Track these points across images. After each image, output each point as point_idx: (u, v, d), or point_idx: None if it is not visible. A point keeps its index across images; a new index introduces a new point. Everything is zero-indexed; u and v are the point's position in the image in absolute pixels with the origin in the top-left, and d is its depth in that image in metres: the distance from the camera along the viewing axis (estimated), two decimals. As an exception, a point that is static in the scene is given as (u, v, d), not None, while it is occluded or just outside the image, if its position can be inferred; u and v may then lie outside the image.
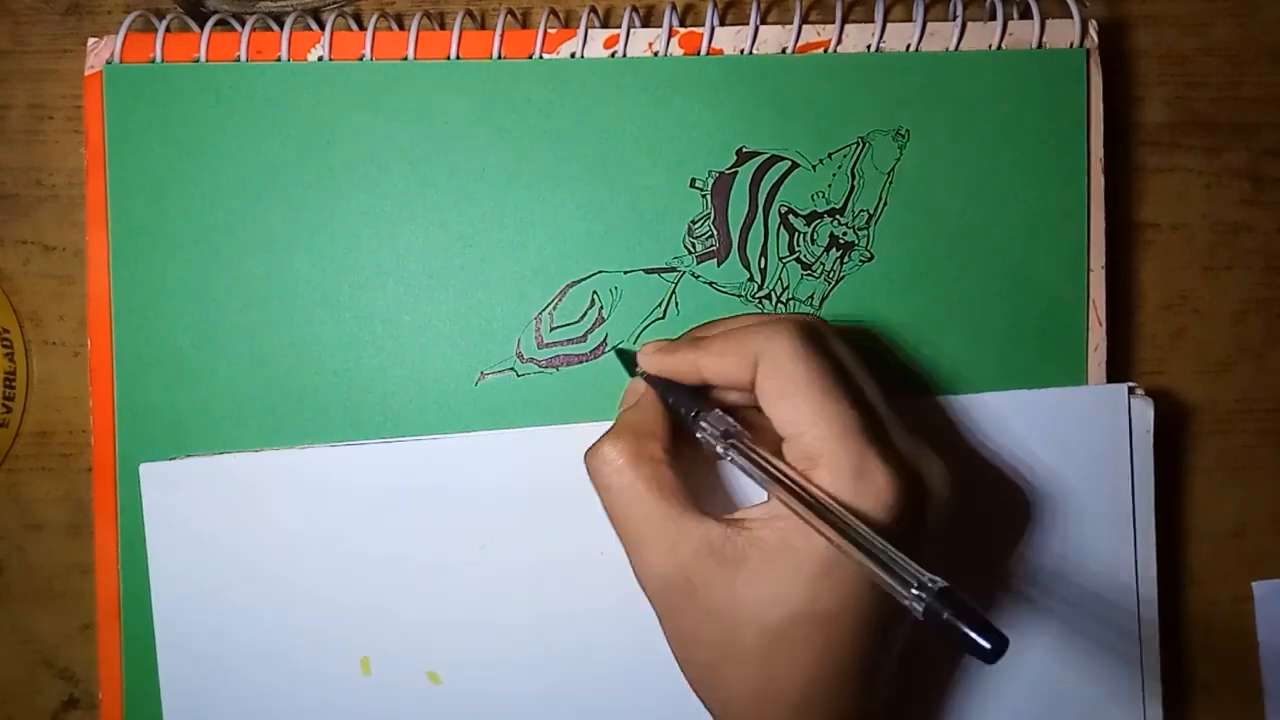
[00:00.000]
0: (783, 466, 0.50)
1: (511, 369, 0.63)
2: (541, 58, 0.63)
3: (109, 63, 0.62)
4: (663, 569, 0.51)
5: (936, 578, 0.43)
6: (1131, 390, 0.63)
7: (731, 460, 0.52)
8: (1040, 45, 0.63)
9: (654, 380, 0.57)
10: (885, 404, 0.54)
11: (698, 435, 0.54)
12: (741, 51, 0.63)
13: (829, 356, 0.53)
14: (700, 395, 0.56)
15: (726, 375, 0.53)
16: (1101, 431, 0.64)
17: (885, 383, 0.55)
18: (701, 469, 0.59)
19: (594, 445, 0.54)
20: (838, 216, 0.63)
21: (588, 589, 0.61)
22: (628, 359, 0.61)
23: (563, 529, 0.62)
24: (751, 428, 0.54)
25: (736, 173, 0.63)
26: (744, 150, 0.63)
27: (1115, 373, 0.65)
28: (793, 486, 0.49)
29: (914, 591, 0.43)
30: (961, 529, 0.57)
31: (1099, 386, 0.64)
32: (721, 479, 0.60)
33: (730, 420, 0.53)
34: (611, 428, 0.55)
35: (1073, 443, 0.64)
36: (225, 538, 0.62)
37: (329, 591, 0.62)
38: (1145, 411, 0.63)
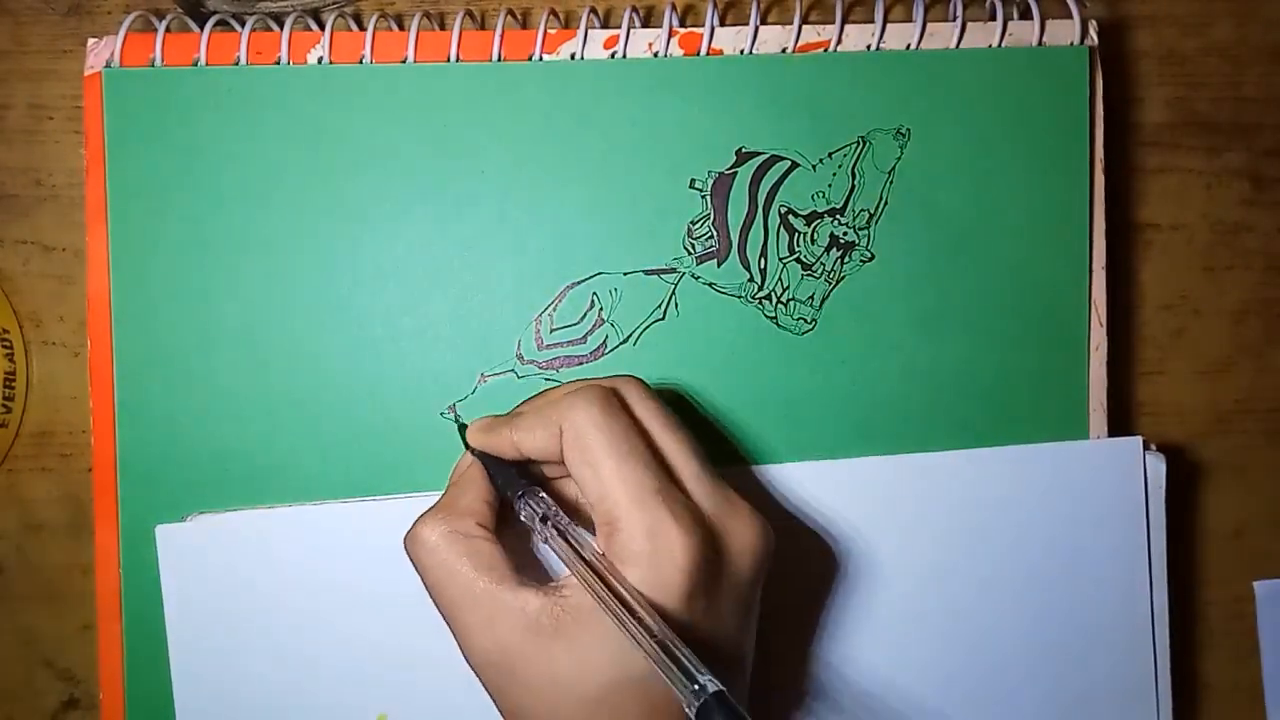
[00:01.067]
0: (586, 547, 0.51)
1: (512, 371, 0.63)
2: (541, 59, 0.63)
3: (109, 64, 0.62)
4: (482, 647, 0.51)
5: (713, 680, 0.44)
6: (1146, 446, 0.64)
7: (546, 542, 0.52)
8: (1040, 45, 0.63)
9: (482, 456, 0.57)
10: (696, 460, 0.54)
11: (520, 517, 0.54)
12: (741, 52, 0.63)
13: (628, 420, 0.53)
14: (526, 472, 0.56)
15: (538, 448, 0.54)
16: (1112, 487, 0.64)
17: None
18: (522, 540, 0.59)
19: (411, 528, 0.54)
20: (838, 216, 0.63)
21: None
22: (462, 430, 0.61)
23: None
24: (575, 501, 0.56)
25: (736, 173, 0.63)
26: (743, 150, 0.63)
27: (1115, 372, 0.65)
28: (589, 570, 0.50)
29: (693, 688, 0.44)
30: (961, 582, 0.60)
31: (1111, 441, 0.64)
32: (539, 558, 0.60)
33: (548, 502, 0.54)
34: (430, 508, 0.55)
35: (1083, 499, 0.64)
36: (240, 597, 0.62)
37: (345, 649, 0.62)
38: (1158, 468, 0.64)
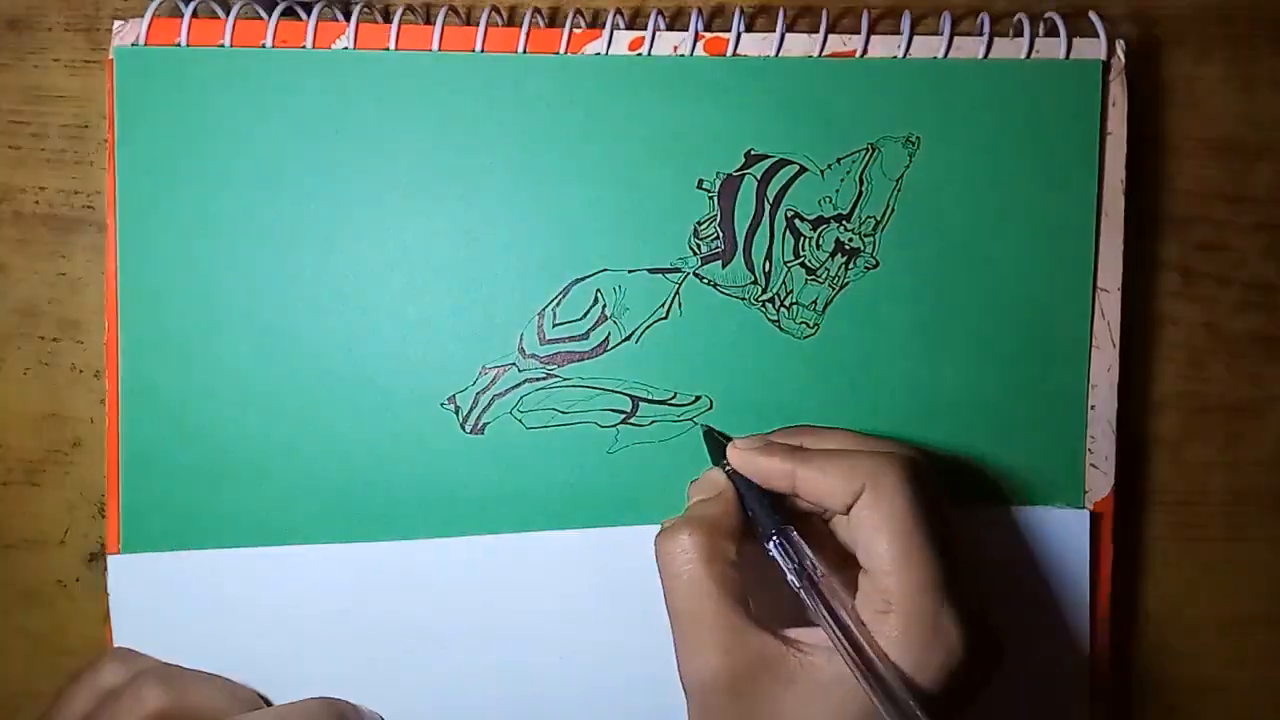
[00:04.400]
0: (847, 615, 0.51)
1: (513, 364, 0.63)
2: (557, 56, 0.63)
3: (126, 45, 0.62)
4: (714, 669, 0.51)
5: None
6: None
7: (798, 590, 0.52)
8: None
9: (737, 478, 0.57)
10: (957, 560, 0.53)
11: (769, 553, 0.54)
12: (764, 58, 0.63)
13: (931, 501, 0.53)
14: (778, 505, 0.56)
15: (822, 494, 0.53)
16: (1058, 555, 0.64)
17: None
18: (756, 567, 0.57)
19: (669, 530, 0.54)
20: (844, 222, 0.63)
21: (550, 686, 0.62)
22: (715, 444, 0.61)
23: (526, 629, 0.63)
24: (817, 537, 0.55)
25: (744, 175, 0.63)
26: (753, 153, 0.63)
27: (1126, 390, 0.64)
28: (852, 645, 0.49)
29: None
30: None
31: (1060, 511, 0.64)
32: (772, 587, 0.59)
33: (805, 550, 0.53)
34: (687, 516, 0.55)
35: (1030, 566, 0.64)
36: (190, 632, 0.63)
37: (292, 689, 0.63)
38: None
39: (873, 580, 0.51)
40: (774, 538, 0.54)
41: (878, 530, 0.51)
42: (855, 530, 0.52)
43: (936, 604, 0.50)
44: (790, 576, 0.53)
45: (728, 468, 0.58)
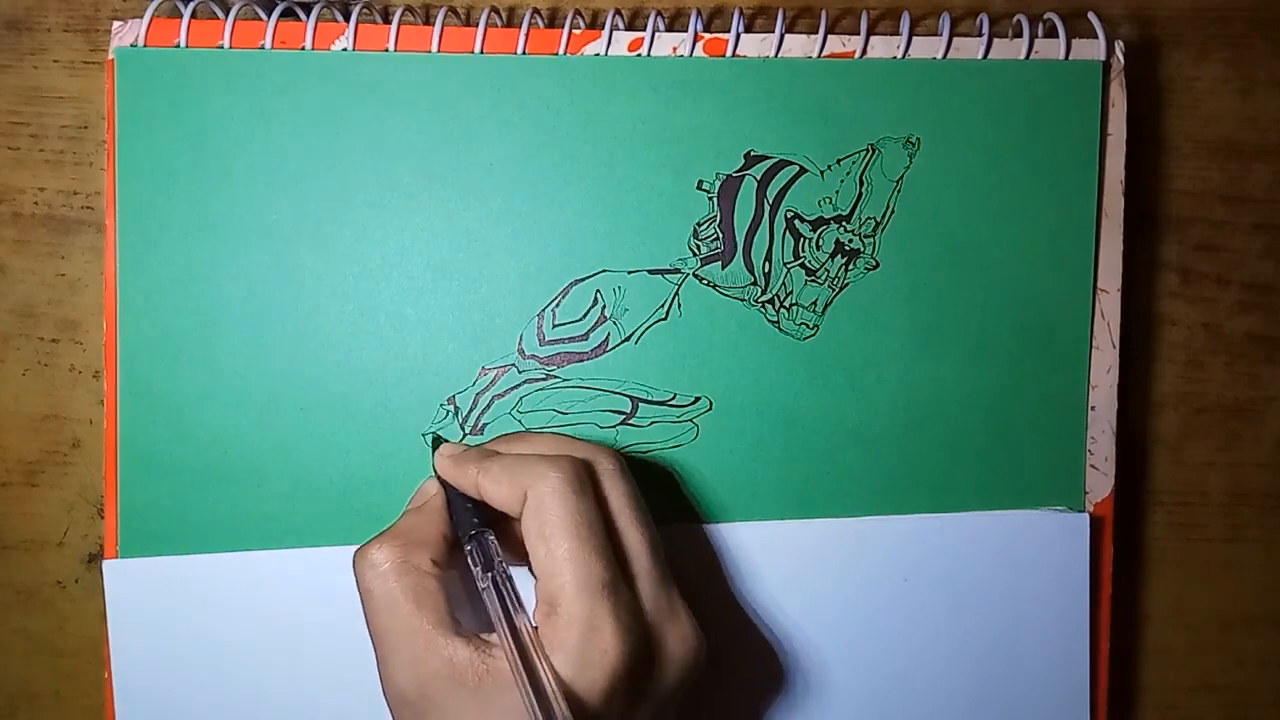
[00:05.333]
0: (520, 613, 0.51)
1: (513, 365, 0.63)
2: (558, 57, 0.63)
3: (125, 46, 0.62)
4: (403, 684, 0.51)
5: None
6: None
7: (482, 591, 0.52)
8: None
9: (446, 486, 0.57)
10: (650, 556, 0.54)
11: (466, 558, 0.54)
12: (764, 59, 0.63)
13: (593, 501, 0.53)
14: (486, 512, 0.56)
15: (500, 502, 0.54)
16: (1056, 560, 0.64)
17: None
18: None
19: (363, 546, 0.54)
20: (844, 223, 0.63)
21: None
22: (436, 448, 0.60)
23: None
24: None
25: (744, 176, 0.63)
26: (752, 153, 0.63)
27: (1126, 390, 0.64)
28: (513, 640, 0.50)
29: None
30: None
31: (1058, 514, 0.64)
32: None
33: (495, 551, 0.53)
34: (386, 530, 0.55)
35: (1027, 571, 0.64)
36: (187, 636, 0.63)
37: (290, 693, 0.63)
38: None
39: (541, 585, 0.51)
40: (469, 539, 0.54)
41: (538, 535, 0.51)
42: (525, 539, 0.52)
43: (592, 602, 0.50)
44: (477, 578, 0.53)
45: (437, 475, 0.58)
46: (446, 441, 0.61)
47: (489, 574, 0.52)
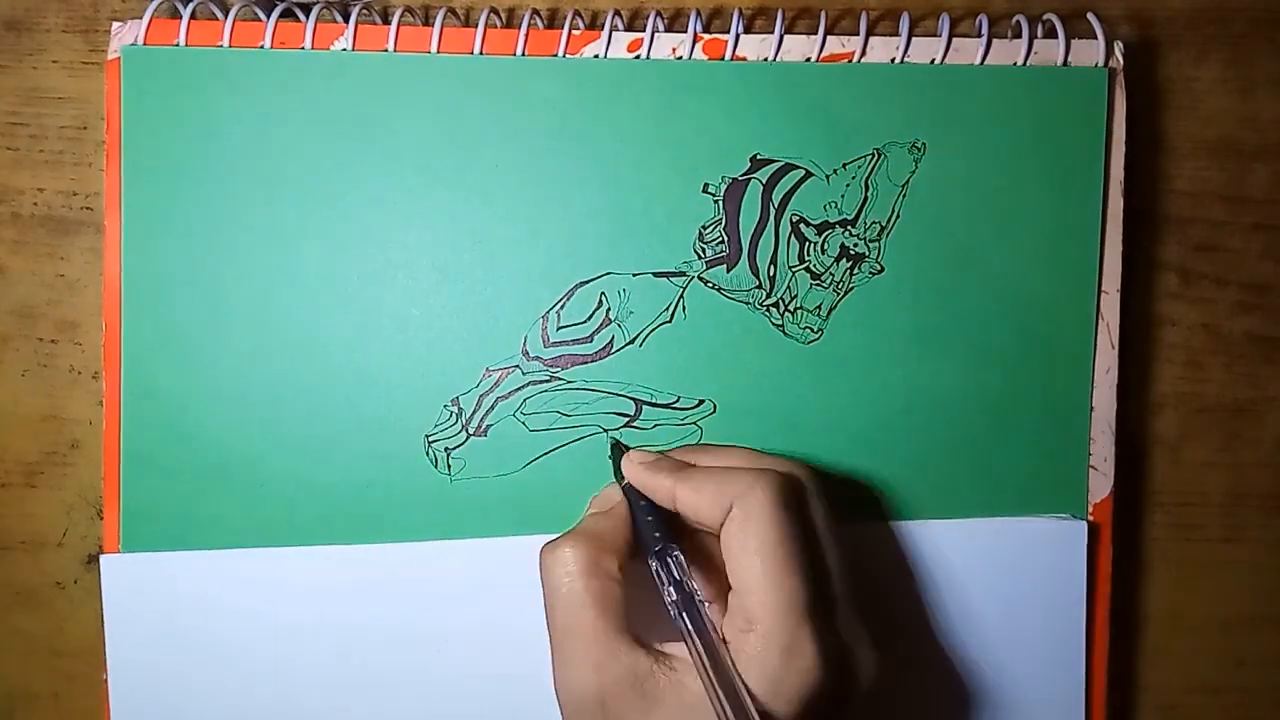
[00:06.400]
0: (715, 635, 0.51)
1: (517, 366, 0.63)
2: (564, 58, 0.63)
3: (129, 45, 0.62)
4: (583, 686, 0.51)
5: None
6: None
7: (670, 608, 0.52)
8: (1065, 65, 0.63)
9: (631, 493, 0.57)
10: (842, 577, 0.54)
11: (651, 568, 0.54)
12: (764, 60, 0.63)
13: (802, 520, 0.53)
14: (673, 522, 0.56)
15: (698, 512, 0.54)
16: (1054, 566, 0.64)
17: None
18: (648, 584, 0.57)
19: (554, 542, 0.54)
20: (849, 227, 0.63)
21: (549, 691, 0.62)
22: (619, 457, 0.60)
23: (520, 632, 0.62)
24: (710, 557, 0.55)
25: (750, 179, 0.63)
26: (758, 157, 0.63)
27: (1125, 391, 0.65)
28: (709, 657, 0.49)
29: None
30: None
31: (1056, 521, 0.64)
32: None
33: (685, 568, 0.53)
34: (575, 528, 0.55)
35: (1025, 576, 0.64)
36: (184, 632, 0.63)
37: (286, 691, 0.63)
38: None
39: (738, 599, 0.51)
40: (655, 555, 0.54)
41: (741, 549, 0.51)
42: (725, 550, 0.52)
43: (795, 624, 0.49)
44: (665, 594, 0.53)
45: (625, 483, 0.58)
46: (631, 448, 0.61)
47: (681, 592, 0.52)
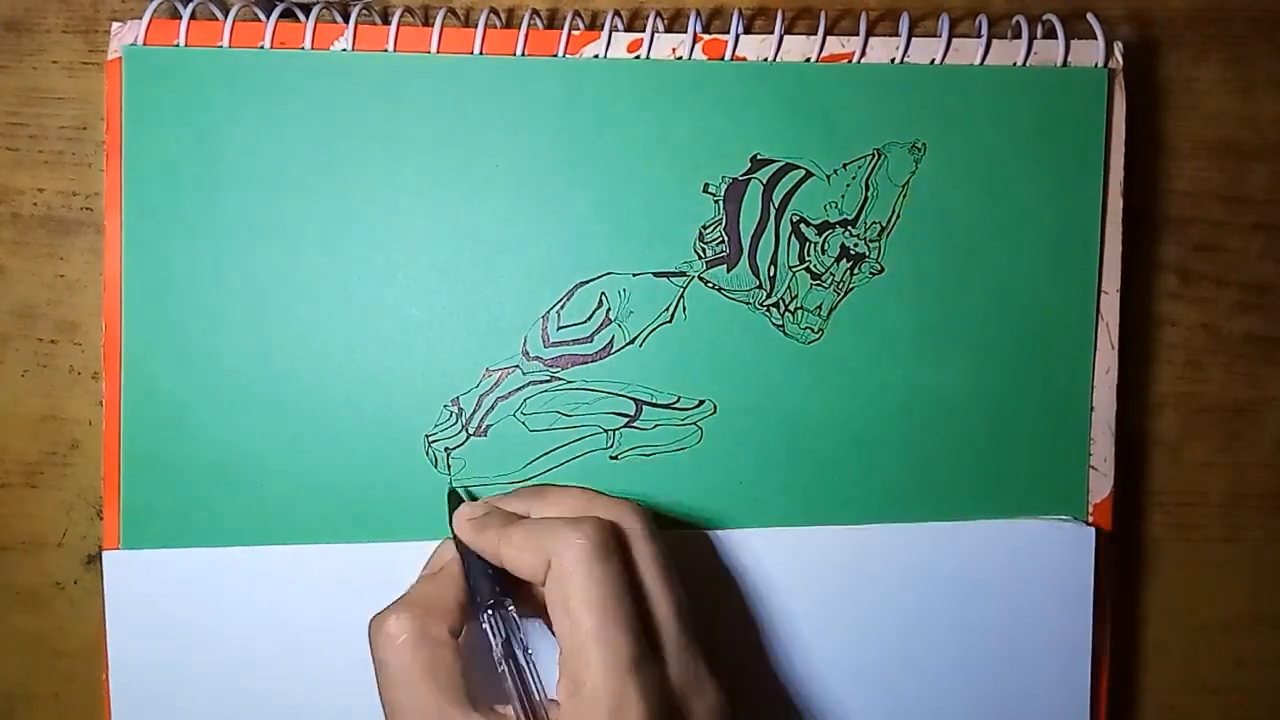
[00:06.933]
0: (541, 697, 0.50)
1: (517, 366, 0.63)
2: (564, 58, 0.63)
3: (129, 45, 0.62)
4: None
5: None
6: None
7: (499, 664, 0.52)
8: (1065, 65, 0.63)
9: (463, 550, 0.56)
10: (676, 620, 0.53)
11: (481, 626, 0.53)
12: (764, 60, 0.63)
13: (621, 568, 0.52)
14: (505, 576, 0.54)
15: (523, 571, 0.52)
16: (1059, 569, 0.64)
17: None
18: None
19: (380, 614, 0.53)
20: (850, 228, 0.63)
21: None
22: (454, 509, 0.59)
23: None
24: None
25: (750, 179, 0.63)
26: (759, 157, 0.63)
27: (1125, 391, 0.65)
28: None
29: None
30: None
31: (1060, 523, 0.64)
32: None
33: (515, 625, 0.53)
34: (402, 597, 0.54)
35: (1030, 579, 0.64)
36: (185, 630, 0.63)
37: (286, 690, 0.63)
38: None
39: (564, 659, 0.50)
40: (486, 610, 0.53)
41: (564, 609, 0.50)
42: (549, 606, 0.51)
43: (619, 683, 0.48)
44: (496, 653, 0.52)
45: (455, 538, 0.57)
46: (465, 501, 0.60)
47: (509, 652, 0.52)
